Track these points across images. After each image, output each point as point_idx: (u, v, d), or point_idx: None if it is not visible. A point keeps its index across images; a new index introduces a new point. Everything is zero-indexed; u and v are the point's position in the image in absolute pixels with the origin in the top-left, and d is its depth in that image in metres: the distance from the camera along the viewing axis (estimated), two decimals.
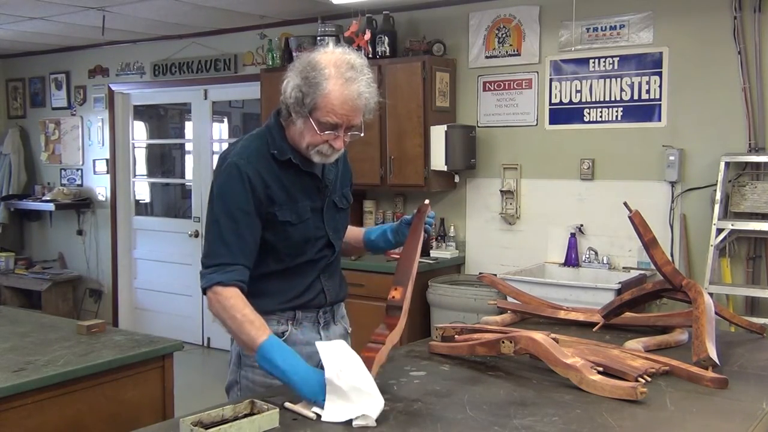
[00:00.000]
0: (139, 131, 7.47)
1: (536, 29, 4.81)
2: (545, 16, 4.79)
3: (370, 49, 5.06)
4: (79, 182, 7.50)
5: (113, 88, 7.18)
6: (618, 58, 4.53)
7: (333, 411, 1.68)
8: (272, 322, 2.05)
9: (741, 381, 1.98)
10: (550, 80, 4.77)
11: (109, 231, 7.27)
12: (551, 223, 4.80)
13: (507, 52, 4.93)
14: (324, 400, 1.71)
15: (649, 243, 2.27)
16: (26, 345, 2.79)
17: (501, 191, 4.97)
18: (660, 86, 4.40)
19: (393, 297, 1.94)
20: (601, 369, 1.94)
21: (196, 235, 6.67)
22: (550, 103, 4.78)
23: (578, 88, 4.67)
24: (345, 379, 1.69)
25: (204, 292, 1.98)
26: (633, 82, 4.49)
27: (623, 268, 4.52)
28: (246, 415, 1.67)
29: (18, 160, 7.72)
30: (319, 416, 1.70)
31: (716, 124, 4.24)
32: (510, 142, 4.95)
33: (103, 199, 7.31)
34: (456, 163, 4.83)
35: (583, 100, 4.66)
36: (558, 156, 4.76)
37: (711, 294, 3.51)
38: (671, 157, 4.30)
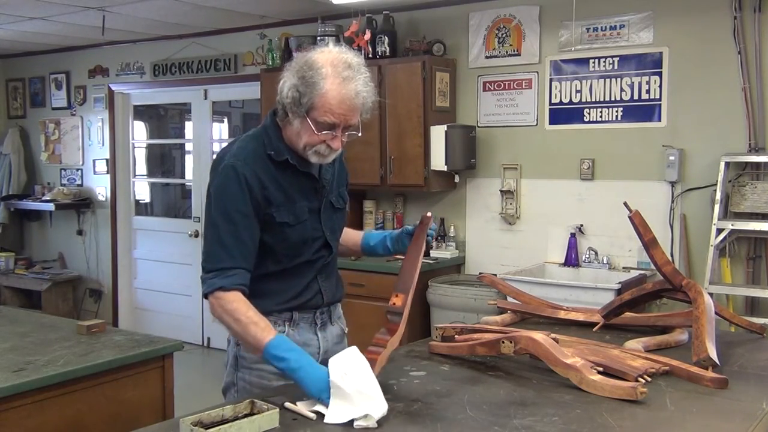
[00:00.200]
0: (139, 131, 7.46)
1: (536, 29, 4.81)
2: (545, 16, 4.79)
3: (370, 49, 5.06)
4: (79, 182, 7.50)
5: (113, 88, 7.18)
6: (618, 58, 4.53)
7: (336, 413, 1.69)
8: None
9: (741, 381, 1.98)
10: (550, 80, 4.77)
11: (109, 231, 7.27)
12: (551, 223, 4.80)
13: (507, 52, 4.93)
14: (329, 398, 1.71)
15: (649, 243, 2.27)
16: (26, 345, 2.79)
17: (501, 191, 4.97)
18: (660, 86, 4.40)
19: (394, 303, 1.94)
20: (601, 369, 1.94)
21: (196, 235, 6.66)
22: (550, 103, 4.78)
23: (578, 88, 4.67)
24: (349, 382, 1.69)
25: (206, 296, 1.97)
26: (633, 82, 4.49)
27: (623, 268, 4.52)
28: (246, 415, 1.68)
29: (18, 160, 7.72)
30: (319, 416, 1.70)
31: (716, 124, 4.24)
32: (510, 142, 4.95)
33: (103, 199, 7.31)
34: (456, 163, 4.83)
35: (583, 100, 4.66)
36: (558, 156, 4.76)
37: (711, 294, 3.51)
38: (671, 157, 4.30)
